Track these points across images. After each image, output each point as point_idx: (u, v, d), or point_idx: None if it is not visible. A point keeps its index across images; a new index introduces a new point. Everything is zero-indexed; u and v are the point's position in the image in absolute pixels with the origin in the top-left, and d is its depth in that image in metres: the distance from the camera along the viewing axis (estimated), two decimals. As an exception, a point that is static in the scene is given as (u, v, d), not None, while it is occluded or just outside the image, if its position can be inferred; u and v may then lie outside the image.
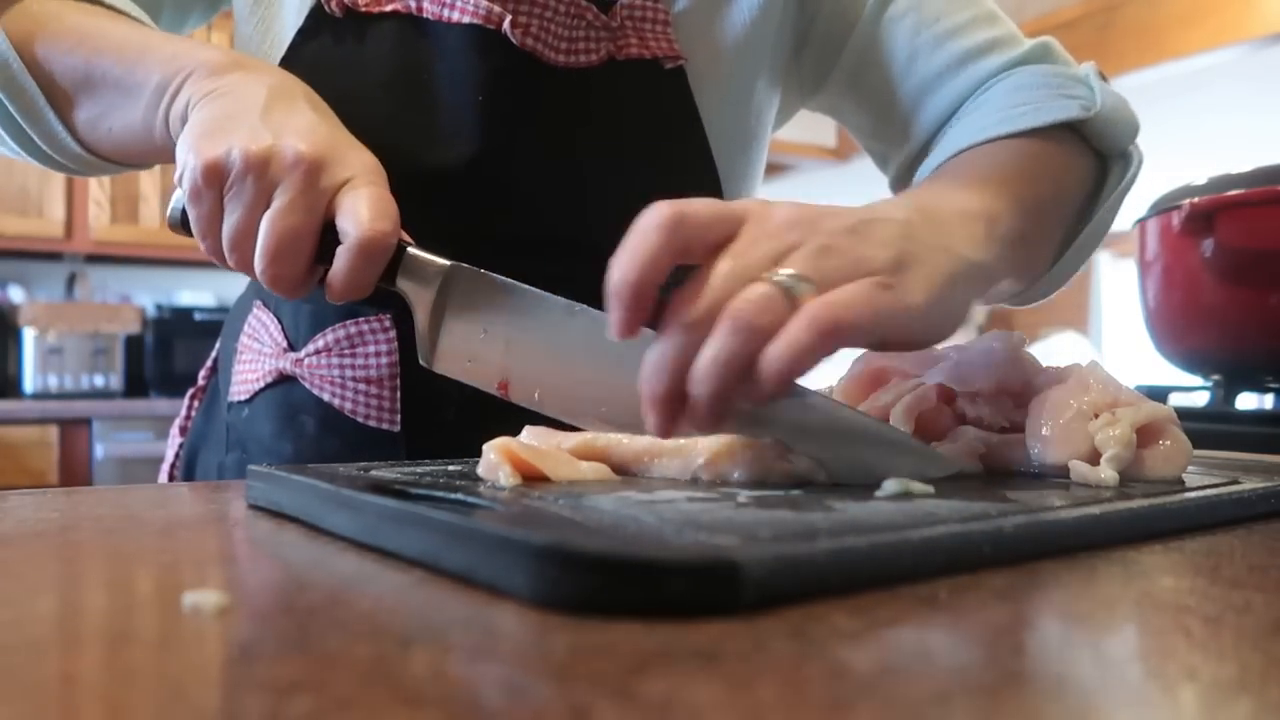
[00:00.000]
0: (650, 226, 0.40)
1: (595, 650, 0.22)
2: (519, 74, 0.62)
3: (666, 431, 0.40)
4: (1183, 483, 0.44)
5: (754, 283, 0.38)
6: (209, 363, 0.78)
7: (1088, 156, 0.64)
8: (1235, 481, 0.45)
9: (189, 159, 0.49)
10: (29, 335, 2.84)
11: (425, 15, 0.62)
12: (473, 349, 0.48)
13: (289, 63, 0.62)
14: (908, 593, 0.27)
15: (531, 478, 0.40)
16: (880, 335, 0.40)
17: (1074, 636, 0.25)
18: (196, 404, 0.78)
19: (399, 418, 0.65)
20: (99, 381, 2.90)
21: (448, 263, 0.49)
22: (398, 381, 0.64)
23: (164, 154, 0.56)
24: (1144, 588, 0.29)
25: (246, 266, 0.50)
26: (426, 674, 0.20)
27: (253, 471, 0.43)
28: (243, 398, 0.69)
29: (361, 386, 0.64)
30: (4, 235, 2.82)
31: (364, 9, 0.62)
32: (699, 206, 0.41)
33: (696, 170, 0.67)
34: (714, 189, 0.68)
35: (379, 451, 0.65)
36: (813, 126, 4.91)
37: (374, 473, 0.42)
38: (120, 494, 0.51)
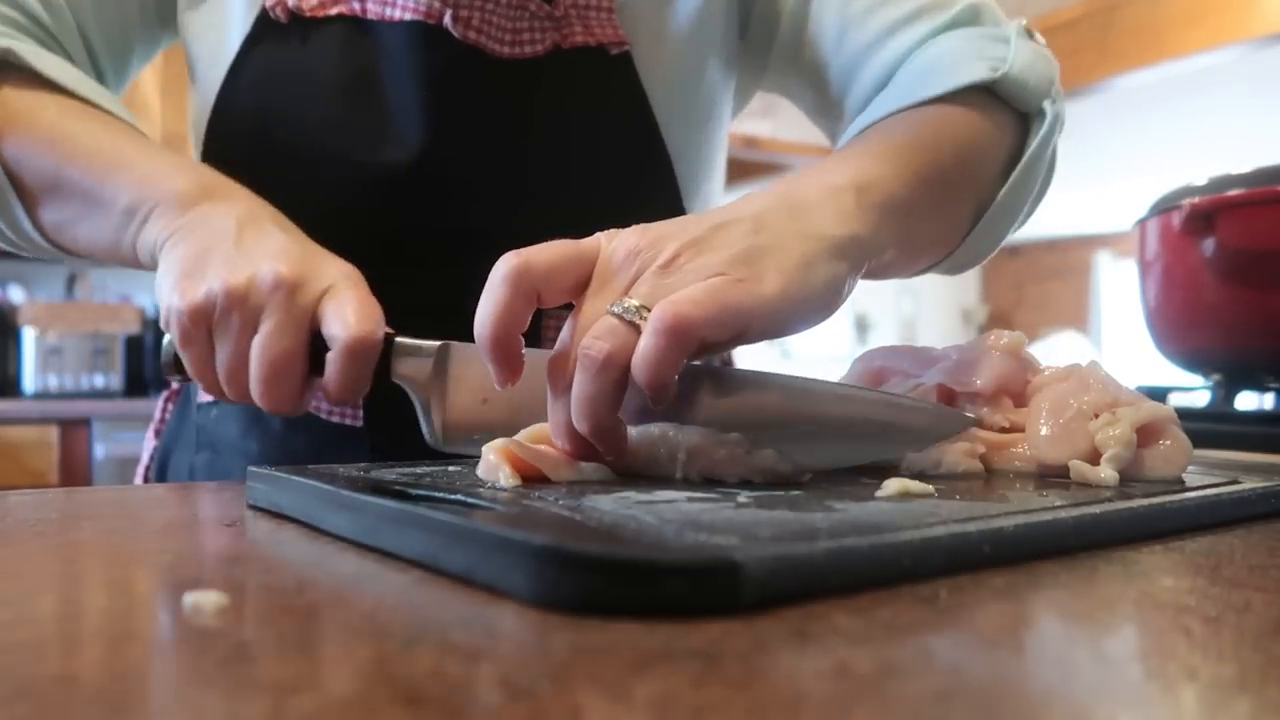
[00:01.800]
0: (496, 281, 0.42)
1: (595, 650, 0.22)
2: (463, 68, 0.63)
3: (589, 458, 0.42)
4: (1183, 483, 0.44)
5: (598, 320, 0.41)
6: None
7: (1008, 118, 0.62)
8: (1235, 481, 0.45)
9: (173, 303, 0.50)
10: (29, 335, 2.84)
11: (369, 16, 0.62)
12: (479, 420, 0.49)
13: (237, 70, 0.62)
14: (908, 593, 0.27)
15: (531, 478, 0.40)
16: (741, 327, 0.41)
17: (1074, 636, 0.25)
18: (170, 406, 0.79)
19: (361, 414, 0.66)
20: (99, 381, 2.90)
21: (437, 343, 0.50)
22: None
23: (133, 266, 0.57)
24: (1144, 588, 0.29)
25: (244, 397, 0.51)
26: (426, 674, 0.20)
27: (253, 472, 0.43)
28: (210, 399, 0.70)
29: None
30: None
31: (309, 14, 0.62)
32: (544, 254, 0.42)
33: (648, 156, 0.67)
34: (666, 173, 0.68)
35: (343, 448, 0.65)
36: (811, 126, 4.91)
37: (374, 473, 0.42)
38: (120, 494, 0.51)
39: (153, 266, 0.55)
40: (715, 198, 0.77)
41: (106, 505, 0.46)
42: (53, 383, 2.84)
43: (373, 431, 0.65)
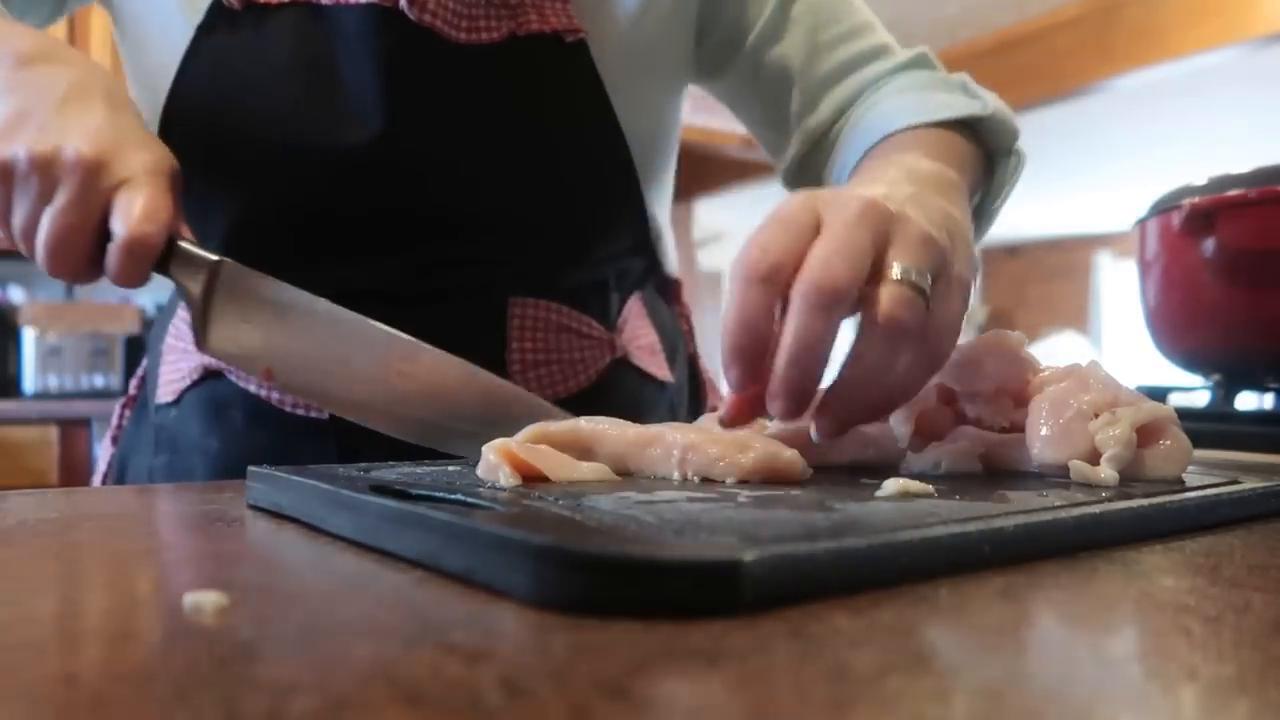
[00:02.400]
0: (738, 280, 0.42)
1: (595, 650, 0.22)
2: (419, 52, 0.63)
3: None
4: (1183, 483, 0.44)
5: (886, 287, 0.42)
6: (139, 373, 0.79)
7: (979, 151, 0.68)
8: (1235, 481, 0.45)
9: None
10: (29, 335, 2.83)
11: (323, 1, 0.62)
12: (238, 338, 0.54)
13: (191, 59, 0.63)
14: (908, 593, 0.27)
15: (531, 478, 0.40)
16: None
17: (1074, 636, 0.25)
18: (128, 413, 0.79)
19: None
20: (99, 381, 2.90)
21: (215, 257, 0.53)
22: None
23: None
24: (1144, 588, 0.29)
25: (34, 257, 0.53)
26: (426, 674, 0.20)
27: (253, 472, 0.43)
28: (169, 399, 0.70)
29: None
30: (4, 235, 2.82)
31: (263, 1, 0.62)
32: (773, 238, 0.42)
33: (605, 143, 0.68)
34: (624, 161, 0.69)
35: (308, 441, 0.65)
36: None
37: (374, 473, 0.42)
38: (120, 494, 0.51)
39: None
40: (669, 187, 0.79)
41: (106, 505, 0.46)
42: (53, 383, 2.84)
43: (338, 425, 0.65)
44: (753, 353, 0.41)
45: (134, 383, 0.79)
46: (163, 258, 0.52)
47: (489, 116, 0.65)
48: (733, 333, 0.41)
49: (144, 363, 0.79)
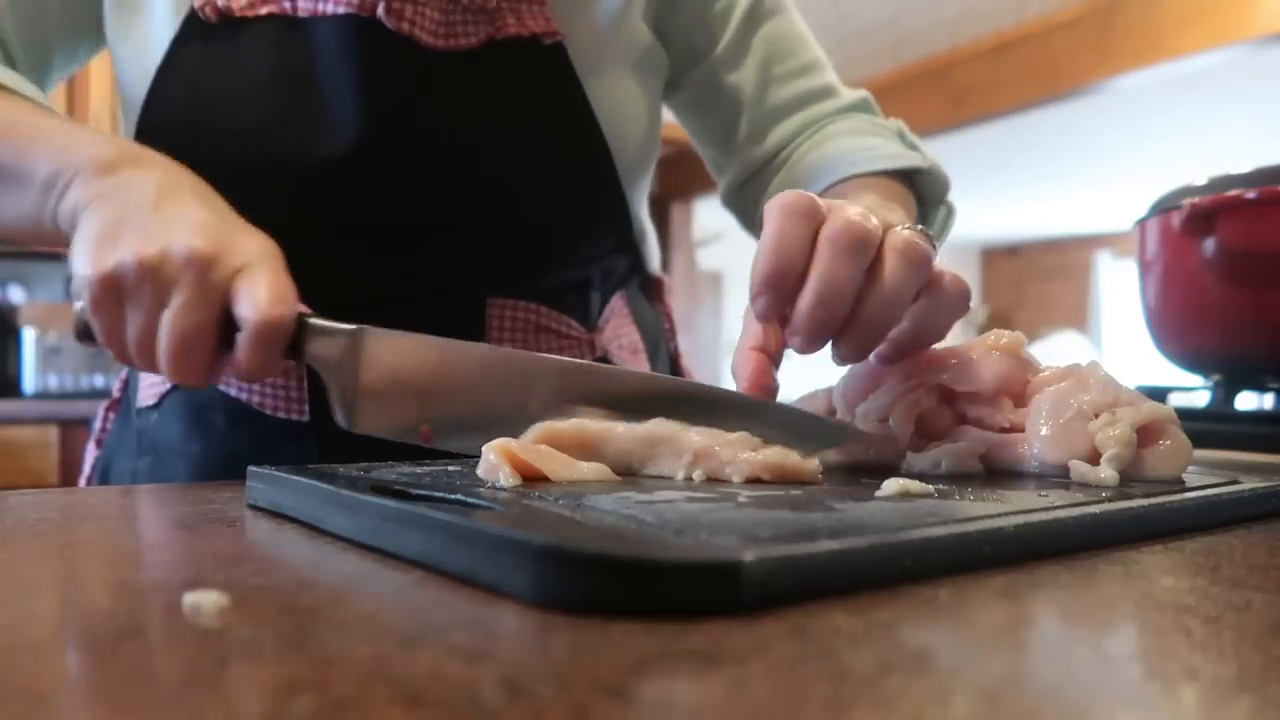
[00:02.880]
0: (774, 211, 0.45)
1: (595, 650, 0.22)
2: (398, 59, 0.63)
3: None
4: (1183, 483, 0.44)
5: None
6: (122, 375, 0.79)
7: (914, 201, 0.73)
8: (1235, 481, 0.45)
9: (85, 270, 0.49)
10: (29, 335, 2.84)
11: (299, 14, 0.62)
12: (390, 406, 0.49)
13: (166, 70, 0.62)
14: (908, 593, 0.27)
15: (531, 478, 0.40)
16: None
17: (1074, 636, 0.25)
18: (111, 415, 0.79)
19: (307, 407, 0.65)
20: (99, 381, 2.90)
21: (351, 326, 0.50)
22: (304, 371, 0.65)
23: (55, 241, 0.56)
24: (1144, 588, 0.29)
25: (153, 367, 0.51)
26: (426, 674, 0.20)
27: (253, 472, 0.43)
28: (151, 402, 0.70)
29: (267, 380, 0.64)
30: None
31: (238, 13, 0.62)
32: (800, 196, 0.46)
33: (587, 145, 0.69)
34: (606, 161, 0.69)
35: (290, 444, 0.65)
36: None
37: (374, 473, 0.42)
38: (120, 494, 0.51)
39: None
40: (647, 190, 0.80)
41: (106, 505, 0.46)
42: (53, 383, 2.85)
43: (322, 427, 0.64)
44: (786, 280, 0.44)
45: (117, 385, 0.79)
46: (296, 340, 0.50)
47: (469, 122, 0.65)
48: (768, 259, 0.44)
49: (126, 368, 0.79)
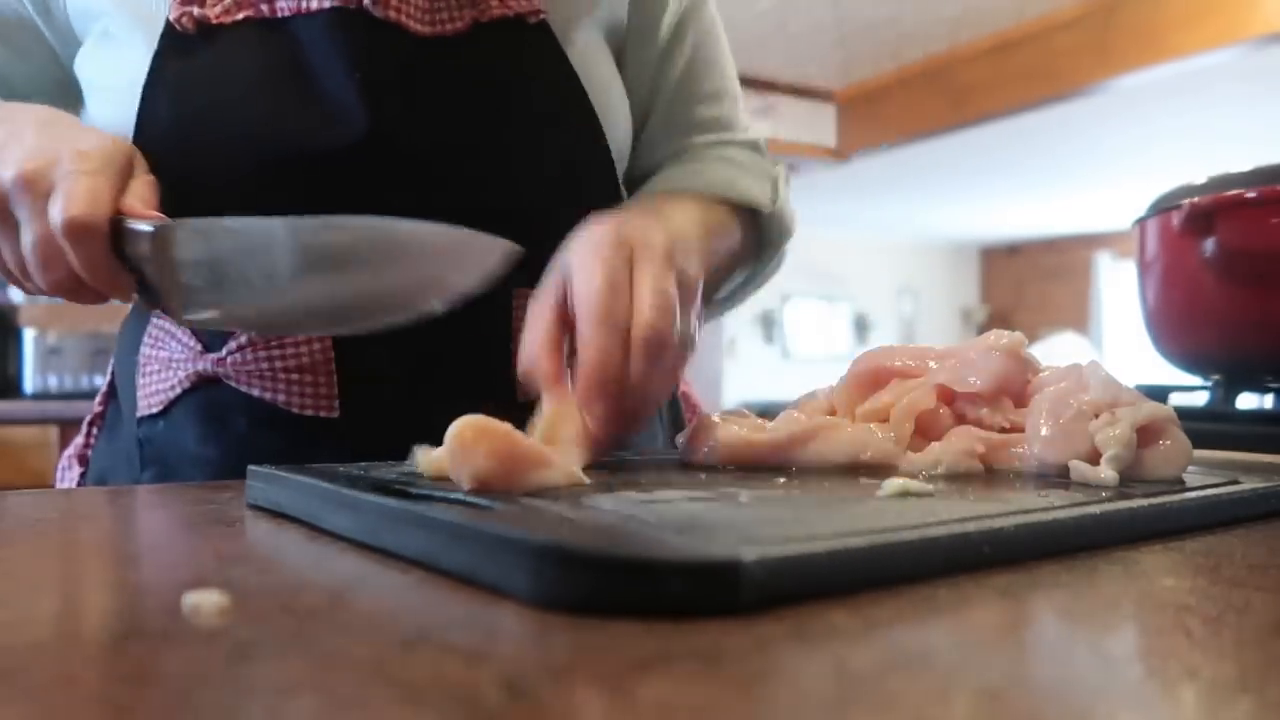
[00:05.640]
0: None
1: (595, 650, 0.22)
2: (389, 47, 0.63)
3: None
4: (1183, 483, 0.44)
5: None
6: (104, 388, 0.77)
7: (755, 239, 0.78)
8: (1235, 481, 0.45)
9: None
10: (29, 335, 2.84)
11: (279, 14, 0.62)
12: (209, 295, 0.53)
13: (152, 87, 0.62)
14: (908, 593, 0.27)
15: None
16: None
17: (1074, 636, 0.25)
18: (95, 430, 0.76)
19: (338, 403, 0.64)
20: (99, 381, 2.89)
21: (151, 227, 0.53)
22: (333, 366, 0.64)
23: None
24: (1144, 588, 0.29)
25: (38, 289, 0.55)
26: (426, 674, 0.20)
27: (253, 471, 0.43)
28: (156, 409, 0.68)
29: (294, 376, 0.64)
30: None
31: (215, 20, 0.62)
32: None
33: (580, 121, 0.69)
34: (598, 137, 0.70)
35: (318, 441, 0.64)
36: (812, 126, 4.91)
37: (374, 473, 0.42)
38: (120, 494, 0.51)
39: None
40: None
41: (106, 505, 0.46)
42: (53, 383, 2.85)
43: (349, 421, 0.64)
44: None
45: (98, 399, 0.77)
46: (115, 243, 0.52)
47: (465, 106, 0.65)
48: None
49: (109, 378, 0.76)
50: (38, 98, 0.66)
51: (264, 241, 0.52)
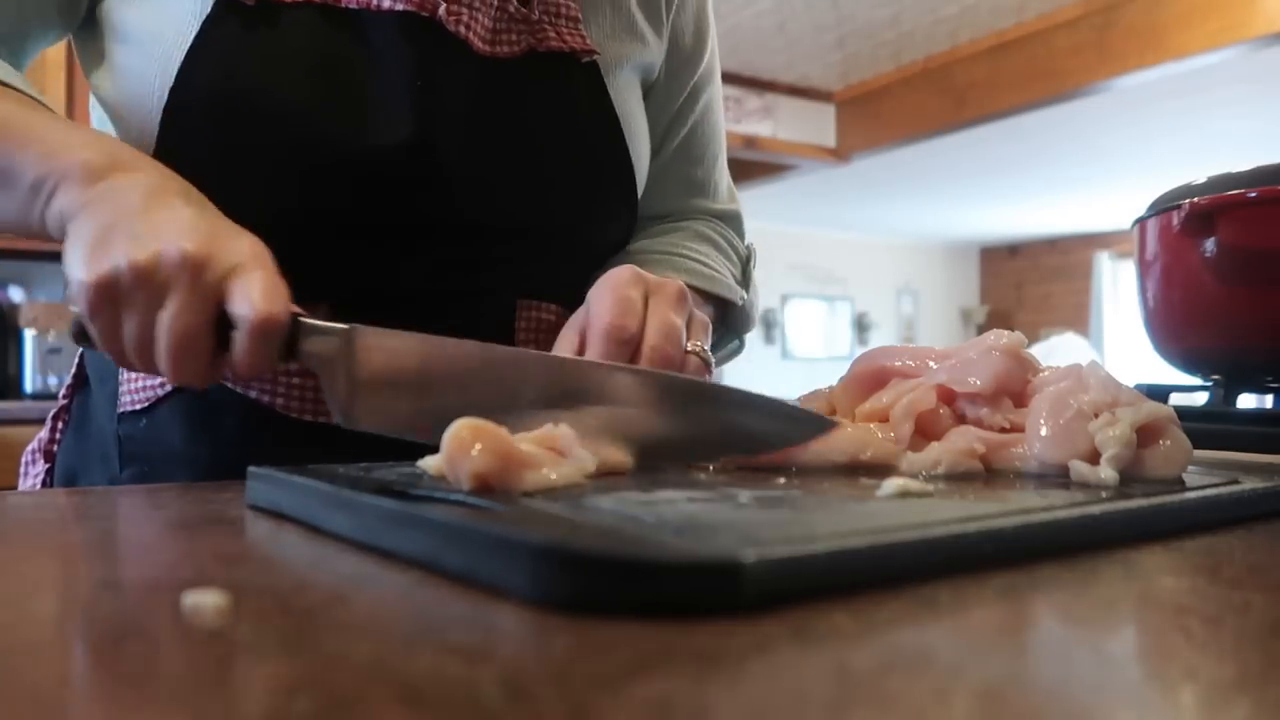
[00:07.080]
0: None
1: (595, 650, 0.22)
2: (452, 61, 0.64)
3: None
4: (1183, 483, 0.44)
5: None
6: (69, 380, 0.75)
7: (720, 322, 0.79)
8: (1235, 481, 0.45)
9: (80, 277, 0.50)
10: (29, 335, 2.84)
11: (346, 4, 0.62)
12: (385, 403, 0.51)
13: (198, 49, 0.61)
14: (908, 593, 0.27)
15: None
16: None
17: (1074, 636, 0.25)
18: (62, 425, 0.75)
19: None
20: (99, 381, 2.90)
21: (344, 326, 0.51)
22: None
23: (42, 238, 0.57)
24: (1144, 588, 0.29)
25: (151, 369, 0.51)
26: (426, 674, 0.20)
27: (253, 472, 0.43)
28: (139, 406, 0.67)
29: (295, 380, 0.63)
30: (4, 236, 2.82)
31: None
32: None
33: (614, 162, 0.71)
34: (627, 171, 0.72)
35: (310, 444, 0.62)
36: (813, 127, 4.91)
37: (374, 473, 0.42)
38: (120, 494, 0.51)
39: (62, 239, 0.54)
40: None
41: (106, 505, 0.46)
42: (53, 383, 2.84)
43: (349, 429, 0.64)
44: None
45: (63, 392, 0.75)
46: (290, 340, 0.50)
47: (509, 127, 0.66)
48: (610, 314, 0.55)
49: (74, 371, 0.75)
50: (44, 13, 0.65)
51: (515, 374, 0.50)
